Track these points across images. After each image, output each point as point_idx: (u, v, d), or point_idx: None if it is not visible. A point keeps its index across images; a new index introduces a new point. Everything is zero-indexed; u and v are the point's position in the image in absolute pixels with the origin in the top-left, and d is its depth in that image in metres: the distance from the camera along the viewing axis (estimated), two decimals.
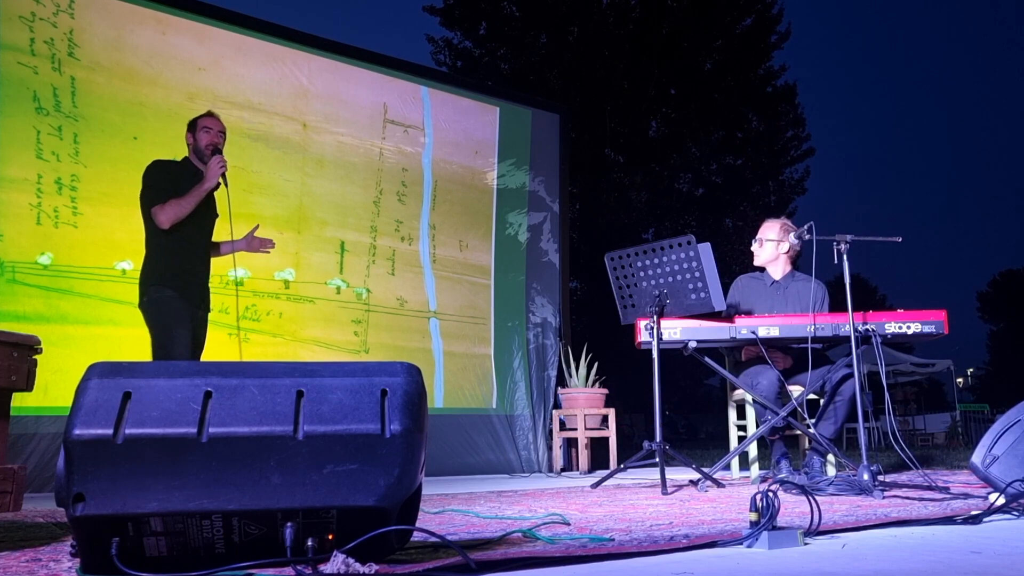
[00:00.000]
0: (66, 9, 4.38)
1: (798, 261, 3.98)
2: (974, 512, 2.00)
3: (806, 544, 1.58)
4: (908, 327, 3.32)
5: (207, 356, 3.41)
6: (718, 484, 3.31)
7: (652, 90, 17.05)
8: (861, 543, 1.60)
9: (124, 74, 4.52)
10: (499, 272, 5.97)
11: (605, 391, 5.68)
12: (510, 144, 6.19)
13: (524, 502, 2.78)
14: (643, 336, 3.39)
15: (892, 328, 3.32)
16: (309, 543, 1.24)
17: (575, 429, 5.50)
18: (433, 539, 1.52)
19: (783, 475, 3.47)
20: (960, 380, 24.93)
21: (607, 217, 16.13)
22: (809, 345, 3.39)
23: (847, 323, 3.20)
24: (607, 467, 5.24)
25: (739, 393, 3.92)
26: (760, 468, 3.91)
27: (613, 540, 1.61)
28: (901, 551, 1.50)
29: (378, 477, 1.28)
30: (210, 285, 3.47)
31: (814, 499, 1.73)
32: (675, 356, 3.62)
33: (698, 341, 3.42)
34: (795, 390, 3.65)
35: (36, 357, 2.04)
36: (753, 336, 3.39)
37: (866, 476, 2.71)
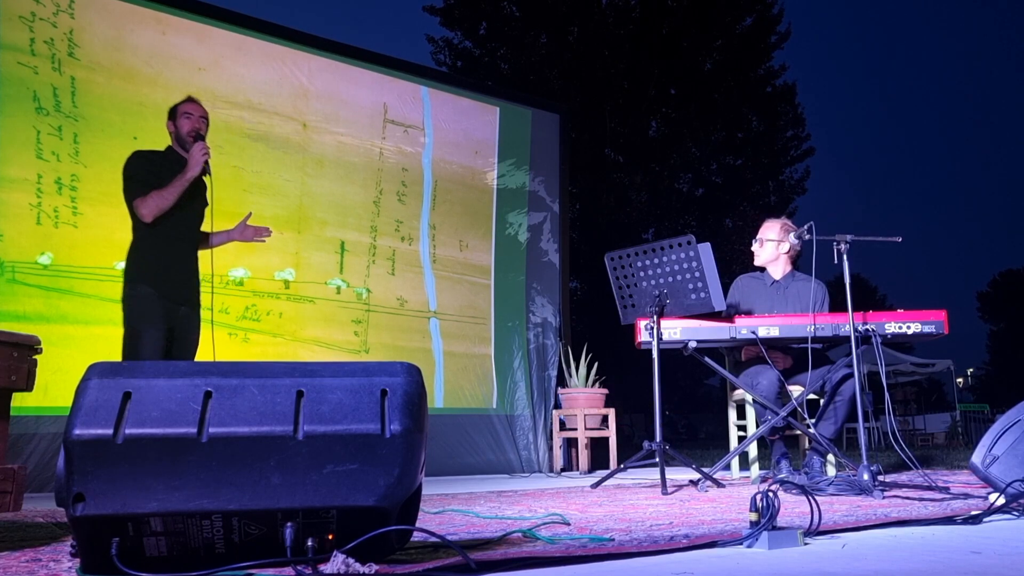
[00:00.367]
0: (66, 9, 4.38)
1: (798, 261, 3.98)
2: (974, 512, 2.00)
3: (806, 544, 1.58)
4: (908, 327, 3.32)
5: (206, 356, 3.37)
6: (718, 484, 3.31)
7: (652, 90, 17.05)
8: (861, 543, 1.60)
9: (124, 74, 4.51)
10: (499, 272, 5.97)
11: (605, 391, 5.69)
12: (510, 144, 6.19)
13: (524, 502, 2.78)
14: (643, 336, 3.39)
15: (892, 328, 3.32)
16: (309, 543, 1.24)
17: (575, 429, 5.51)
18: (433, 539, 1.52)
19: (783, 475, 3.47)
20: (960, 380, 24.92)
21: (607, 217, 16.13)
22: (809, 345, 3.39)
23: (847, 323, 3.20)
24: (607, 467, 5.24)
25: (739, 393, 3.92)
26: (760, 468, 3.91)
27: (613, 540, 1.61)
28: (901, 551, 1.50)
29: (378, 477, 1.28)
30: (201, 279, 3.36)
31: (814, 499, 1.73)
32: (675, 356, 3.62)
33: (698, 341, 3.42)
34: (795, 390, 3.65)
35: (36, 357, 2.04)
36: (753, 336, 3.39)
37: (866, 476, 2.71)
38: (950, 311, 3.35)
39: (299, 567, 1.21)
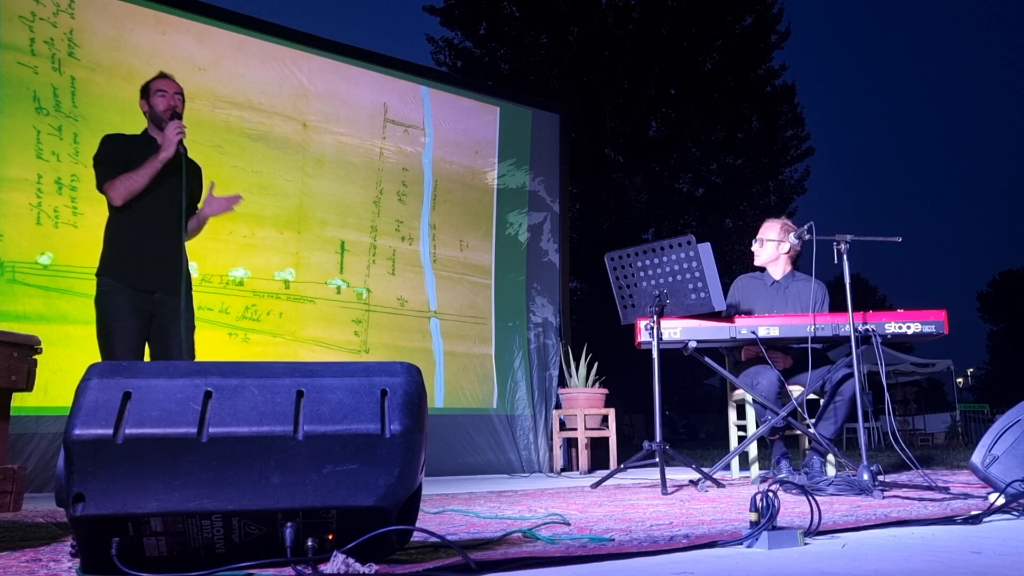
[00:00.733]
0: (66, 9, 4.38)
1: (798, 261, 3.98)
2: (974, 512, 2.00)
3: (806, 544, 1.58)
4: (908, 327, 3.32)
5: (204, 356, 3.34)
6: (718, 484, 3.31)
7: (652, 90, 17.05)
8: (861, 543, 1.60)
9: (124, 74, 4.51)
10: (499, 272, 5.97)
11: (605, 391, 5.69)
12: (510, 144, 6.20)
13: (524, 502, 2.78)
14: (643, 336, 3.39)
15: (892, 328, 3.32)
16: (309, 543, 1.24)
17: (575, 429, 5.51)
18: (433, 539, 1.52)
19: (783, 475, 3.47)
20: (960, 380, 24.93)
21: (607, 217, 16.13)
22: (809, 345, 3.39)
23: (847, 323, 3.20)
24: (607, 467, 5.24)
25: (739, 393, 3.92)
26: (760, 468, 3.91)
27: (613, 540, 1.61)
28: (901, 551, 1.50)
29: (378, 477, 1.28)
30: (203, 277, 3.24)
31: (814, 499, 1.73)
32: (675, 356, 3.62)
33: (698, 341, 3.42)
34: (795, 390, 3.65)
35: (36, 357, 2.04)
36: (753, 336, 3.39)
37: (866, 476, 2.71)
38: (950, 311, 3.35)
39: (299, 567, 1.21)
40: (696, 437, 23.21)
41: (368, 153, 5.46)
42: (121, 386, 1.26)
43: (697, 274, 3.27)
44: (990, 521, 1.95)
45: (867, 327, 3.26)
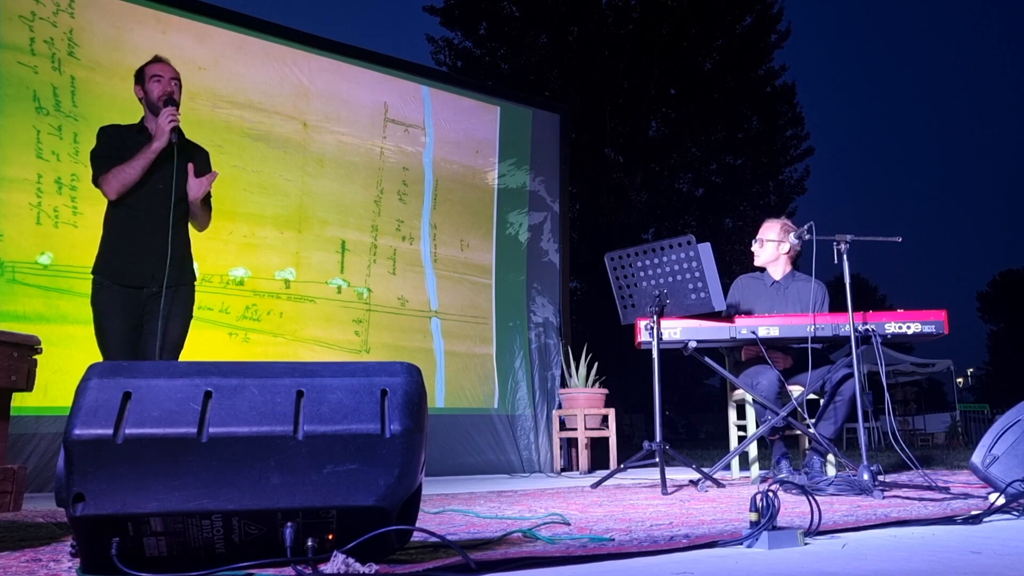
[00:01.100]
0: (66, 8, 4.38)
1: (798, 261, 3.98)
2: (974, 512, 2.00)
3: (806, 544, 1.58)
4: (908, 327, 3.32)
5: (204, 356, 3.32)
6: (718, 484, 3.31)
7: (652, 90, 17.05)
8: (861, 543, 1.60)
9: (124, 73, 4.50)
10: (500, 272, 5.97)
11: (605, 391, 5.69)
12: (510, 144, 6.20)
13: (524, 502, 2.78)
14: (643, 336, 3.39)
15: (892, 328, 3.31)
16: (309, 543, 1.24)
17: (575, 429, 5.51)
18: (433, 539, 1.52)
19: (783, 475, 3.47)
20: (960, 380, 24.94)
21: (607, 217, 16.13)
22: (809, 345, 3.39)
23: (847, 323, 3.20)
24: (607, 467, 5.24)
25: (739, 393, 3.92)
26: (760, 468, 3.91)
27: (613, 540, 1.61)
28: (901, 551, 1.50)
29: (378, 477, 1.28)
30: (202, 277, 3.14)
31: (814, 499, 1.73)
32: (675, 356, 3.62)
33: (698, 341, 3.42)
34: (795, 390, 3.65)
35: (36, 357, 2.04)
36: (753, 336, 3.39)
37: (866, 476, 2.71)
38: (950, 311, 3.35)
39: (299, 567, 1.21)
40: (696, 437, 23.22)
41: (368, 153, 5.46)
42: (121, 386, 1.26)
43: (697, 274, 3.27)
44: (990, 521, 1.95)
45: (867, 327, 3.26)
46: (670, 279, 3.32)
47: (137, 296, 2.92)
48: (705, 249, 3.28)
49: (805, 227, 3.38)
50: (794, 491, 2.56)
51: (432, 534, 1.37)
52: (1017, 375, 34.70)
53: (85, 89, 4.38)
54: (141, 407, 1.24)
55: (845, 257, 3.10)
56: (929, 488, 2.77)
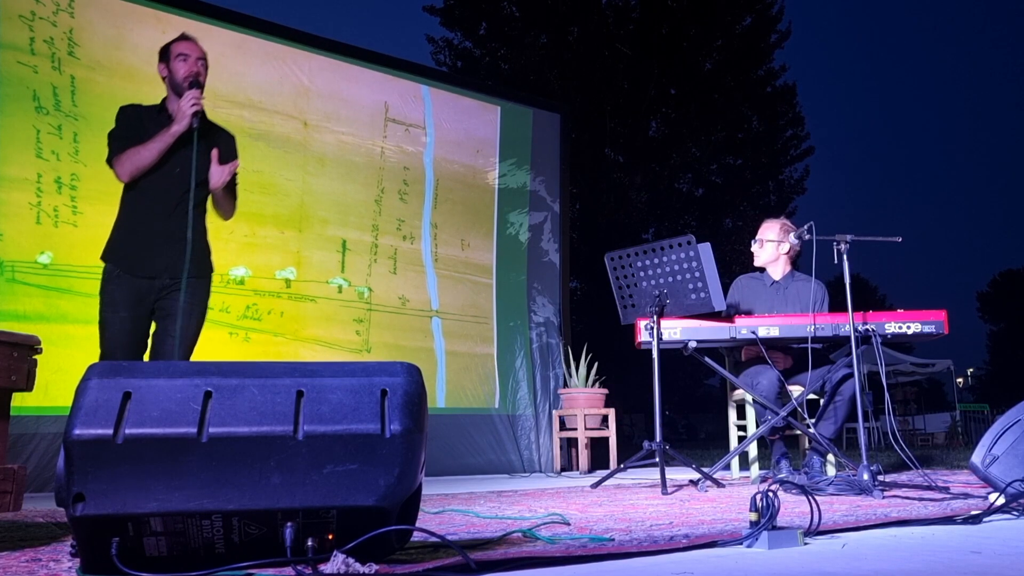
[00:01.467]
0: (66, 8, 4.38)
1: (798, 261, 3.98)
2: (974, 512, 2.00)
3: (806, 544, 1.58)
4: (908, 327, 3.32)
5: (204, 356, 3.20)
6: (718, 484, 3.31)
7: (652, 90, 17.04)
8: (861, 543, 1.60)
9: (124, 73, 4.52)
10: (501, 272, 5.97)
11: (605, 391, 5.68)
12: (511, 143, 6.20)
13: (524, 502, 2.78)
14: (643, 336, 3.39)
15: (892, 328, 3.32)
16: (309, 543, 1.24)
17: (575, 429, 5.51)
18: (433, 539, 1.52)
19: (783, 475, 3.47)
20: (960, 380, 24.94)
21: (607, 217, 16.12)
22: (809, 345, 3.39)
23: (847, 323, 3.20)
24: (607, 467, 5.24)
25: (739, 393, 3.92)
26: (760, 468, 3.91)
27: (613, 540, 1.61)
28: (901, 551, 1.50)
29: (378, 477, 1.28)
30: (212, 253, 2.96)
31: (814, 499, 1.73)
32: (675, 356, 3.62)
33: (698, 341, 3.42)
34: (795, 390, 3.65)
35: (36, 357, 2.04)
36: (753, 336, 3.39)
37: (866, 476, 2.71)
38: (950, 311, 3.35)
39: (299, 567, 1.21)
40: (696, 437, 23.22)
41: (369, 152, 5.46)
42: (121, 386, 1.26)
43: (697, 274, 3.27)
44: (990, 521, 1.95)
45: (867, 327, 3.26)
46: (670, 279, 3.32)
47: (148, 288, 2.78)
48: (705, 249, 3.28)
49: (805, 227, 3.38)
50: (794, 491, 2.56)
51: (432, 534, 1.37)
52: (1017, 375, 34.71)
53: (85, 89, 4.38)
54: (141, 407, 1.24)
55: (845, 257, 3.10)
56: (929, 488, 2.77)
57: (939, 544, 1.60)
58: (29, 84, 4.22)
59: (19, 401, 2.17)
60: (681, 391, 24.30)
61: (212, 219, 3.15)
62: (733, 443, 4.07)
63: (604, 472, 4.26)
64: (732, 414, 4.11)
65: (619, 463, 4.76)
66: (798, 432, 3.77)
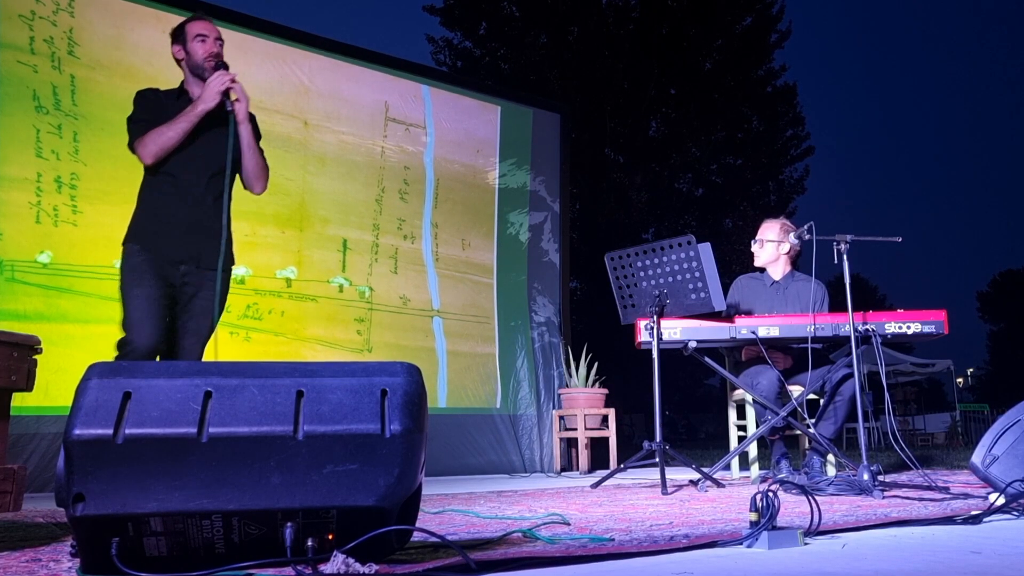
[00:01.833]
0: (66, 8, 4.37)
1: (798, 261, 3.98)
2: (974, 512, 2.00)
3: (806, 544, 1.58)
4: (908, 327, 3.32)
5: (204, 355, 3.16)
6: (718, 484, 3.31)
7: (652, 90, 17.05)
8: (861, 543, 1.60)
9: (124, 72, 4.51)
10: (501, 271, 5.97)
11: (605, 391, 5.69)
12: (511, 143, 6.20)
13: (524, 502, 2.78)
14: (643, 336, 3.39)
15: (892, 328, 3.31)
16: (309, 543, 1.24)
17: (575, 429, 5.51)
18: (433, 539, 1.52)
19: (783, 475, 3.47)
20: (960, 380, 24.94)
21: (607, 217, 16.13)
22: (809, 345, 3.39)
23: (847, 323, 3.20)
24: (607, 467, 5.24)
25: (739, 393, 3.91)
26: (760, 468, 3.91)
27: (613, 540, 1.61)
28: (901, 551, 1.50)
29: (378, 477, 1.28)
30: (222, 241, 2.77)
31: (814, 499, 1.73)
32: (675, 356, 3.62)
33: (698, 341, 3.42)
34: (795, 390, 3.65)
35: (36, 357, 2.04)
36: (753, 336, 3.39)
37: (866, 476, 2.71)
38: (950, 311, 3.35)
39: (299, 567, 1.21)
40: (696, 437, 23.22)
41: (370, 152, 5.47)
42: (121, 386, 1.26)
43: (697, 274, 3.27)
44: (990, 521, 1.95)
45: (867, 327, 3.26)
46: (670, 279, 3.32)
47: (173, 272, 2.64)
48: (705, 249, 3.28)
49: (805, 227, 3.38)
50: (794, 491, 2.56)
51: (432, 534, 1.37)
52: (1017, 375, 34.71)
53: (85, 88, 4.38)
54: (141, 407, 1.24)
55: (845, 257, 3.10)
56: (929, 488, 2.77)
57: (939, 544, 1.60)
58: (29, 83, 4.22)
59: (19, 401, 2.17)
60: (681, 391, 24.31)
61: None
62: (733, 443, 4.07)
63: (604, 472, 4.26)
64: (732, 414, 4.11)
65: (619, 463, 4.76)
66: (798, 432, 3.77)
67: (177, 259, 2.66)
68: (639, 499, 2.82)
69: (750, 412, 3.80)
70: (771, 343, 3.49)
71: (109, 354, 2.84)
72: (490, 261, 5.95)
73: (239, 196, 3.07)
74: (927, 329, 3.32)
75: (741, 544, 1.54)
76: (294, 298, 4.97)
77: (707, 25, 17.20)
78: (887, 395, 3.28)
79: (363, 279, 5.30)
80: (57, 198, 4.20)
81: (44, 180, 4.18)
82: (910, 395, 17.16)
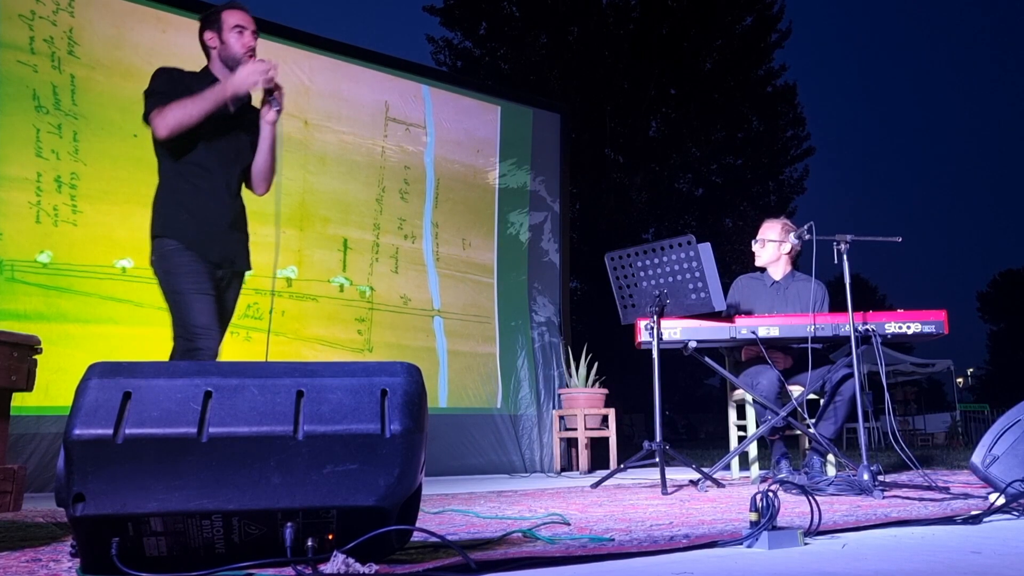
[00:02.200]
0: (66, 7, 4.37)
1: (798, 261, 3.98)
2: (974, 512, 2.00)
3: (806, 544, 1.57)
4: (908, 327, 3.32)
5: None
6: (718, 484, 3.31)
7: (652, 90, 17.05)
8: (861, 543, 1.60)
9: (124, 72, 4.51)
10: (501, 271, 5.97)
11: (605, 391, 5.68)
12: (511, 143, 6.20)
13: (524, 502, 2.78)
14: (643, 336, 3.39)
15: (892, 328, 3.31)
16: (309, 543, 1.24)
17: (575, 429, 5.50)
18: (433, 539, 1.52)
19: (783, 475, 3.47)
20: (960, 380, 24.94)
21: (607, 217, 16.13)
22: (809, 345, 3.39)
23: (847, 323, 3.20)
24: (607, 467, 5.24)
25: (739, 393, 3.91)
26: (760, 468, 3.91)
27: (613, 540, 1.61)
28: (901, 551, 1.50)
29: (378, 477, 1.28)
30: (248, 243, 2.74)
31: (814, 499, 1.73)
32: (675, 356, 3.62)
33: (698, 341, 3.42)
34: (795, 390, 3.65)
35: (36, 357, 2.04)
36: (753, 336, 3.39)
37: (866, 476, 2.71)
38: (950, 311, 3.35)
39: (299, 567, 1.21)
40: (696, 437, 23.23)
41: (370, 151, 5.46)
42: (121, 386, 1.26)
43: (697, 274, 3.27)
44: (990, 521, 1.95)
45: (867, 327, 3.25)
46: (670, 279, 3.32)
47: (215, 272, 2.55)
48: (705, 249, 3.28)
49: (805, 227, 3.38)
50: (794, 491, 2.56)
51: (432, 534, 1.37)
52: (1017, 375, 34.71)
53: (85, 88, 4.38)
54: (141, 407, 1.24)
55: (845, 257, 3.10)
56: (929, 488, 2.77)
57: (939, 544, 1.60)
58: (29, 83, 4.22)
59: (19, 401, 2.17)
60: (681, 391, 24.33)
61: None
62: (733, 443, 4.07)
63: (604, 472, 4.26)
64: (732, 414, 4.11)
65: (619, 463, 4.76)
66: (798, 432, 3.77)
67: (218, 259, 2.58)
68: (639, 499, 2.82)
69: (750, 412, 3.80)
70: (771, 343, 3.49)
71: (109, 354, 2.84)
72: (490, 261, 5.95)
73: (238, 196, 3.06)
74: (927, 329, 3.32)
75: (741, 544, 1.54)
76: (294, 297, 4.97)
77: (707, 25, 17.20)
78: (887, 395, 3.28)
79: (364, 279, 5.30)
80: (57, 198, 4.20)
81: (44, 180, 4.18)
82: (910, 395, 17.16)
